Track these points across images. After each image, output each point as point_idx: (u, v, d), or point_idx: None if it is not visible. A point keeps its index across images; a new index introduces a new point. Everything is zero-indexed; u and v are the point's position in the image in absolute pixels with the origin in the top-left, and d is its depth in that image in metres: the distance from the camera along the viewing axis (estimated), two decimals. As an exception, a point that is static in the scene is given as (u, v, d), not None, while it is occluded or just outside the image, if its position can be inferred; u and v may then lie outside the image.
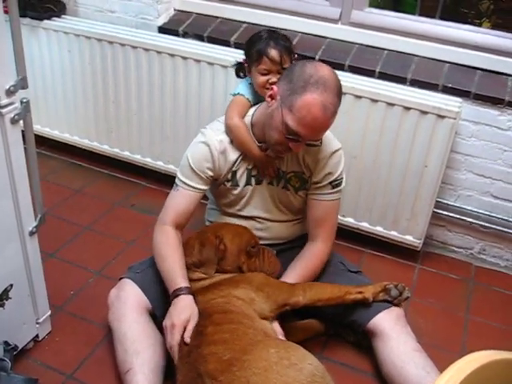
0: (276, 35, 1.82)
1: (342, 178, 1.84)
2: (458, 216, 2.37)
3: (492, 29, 2.24)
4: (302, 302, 1.70)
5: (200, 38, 2.49)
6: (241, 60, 1.91)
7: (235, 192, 1.87)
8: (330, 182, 1.81)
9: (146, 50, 2.44)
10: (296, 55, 1.86)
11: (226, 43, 2.44)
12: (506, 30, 2.21)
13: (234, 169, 1.83)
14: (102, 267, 2.23)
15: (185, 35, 2.52)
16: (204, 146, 1.80)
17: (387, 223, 2.35)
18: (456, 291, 2.28)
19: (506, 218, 2.31)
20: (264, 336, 1.54)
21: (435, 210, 2.31)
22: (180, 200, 1.82)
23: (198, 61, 2.36)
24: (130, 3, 2.58)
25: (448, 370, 1.04)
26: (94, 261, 2.26)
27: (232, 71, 2.27)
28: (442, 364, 1.68)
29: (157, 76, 2.48)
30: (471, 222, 2.36)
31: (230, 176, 1.84)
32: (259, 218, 1.92)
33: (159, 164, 2.72)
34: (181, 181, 1.82)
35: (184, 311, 1.59)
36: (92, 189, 2.76)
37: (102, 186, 2.79)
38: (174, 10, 2.63)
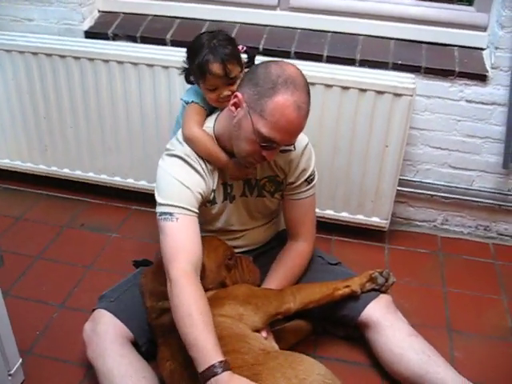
0: (214, 43, 1.60)
1: (315, 172, 1.76)
2: (418, 190, 2.38)
3: (431, 1, 2.23)
4: (294, 307, 1.63)
5: (133, 39, 2.33)
6: (187, 66, 1.71)
7: (213, 211, 1.72)
8: (306, 179, 1.73)
9: (76, 58, 2.24)
10: (244, 48, 1.71)
11: (161, 42, 2.30)
12: (445, 1, 2.21)
13: (213, 187, 1.67)
14: (65, 298, 2.05)
15: (115, 38, 2.35)
16: (191, 169, 1.60)
17: (352, 208, 2.31)
18: (428, 265, 2.28)
19: (464, 186, 2.33)
20: (263, 354, 1.44)
21: (396, 188, 2.30)
22: (187, 232, 1.52)
23: (135, 64, 2.20)
24: (50, 9, 2.36)
25: None
26: (53, 293, 2.07)
27: (174, 71, 2.16)
28: (433, 343, 1.70)
29: (91, 84, 2.30)
30: (432, 195, 2.38)
31: (211, 197, 1.68)
32: (234, 230, 1.82)
33: (103, 177, 2.55)
34: (178, 207, 1.52)
35: None
36: (34, 214, 2.54)
37: (45, 209, 2.58)
38: (99, 11, 2.45)
